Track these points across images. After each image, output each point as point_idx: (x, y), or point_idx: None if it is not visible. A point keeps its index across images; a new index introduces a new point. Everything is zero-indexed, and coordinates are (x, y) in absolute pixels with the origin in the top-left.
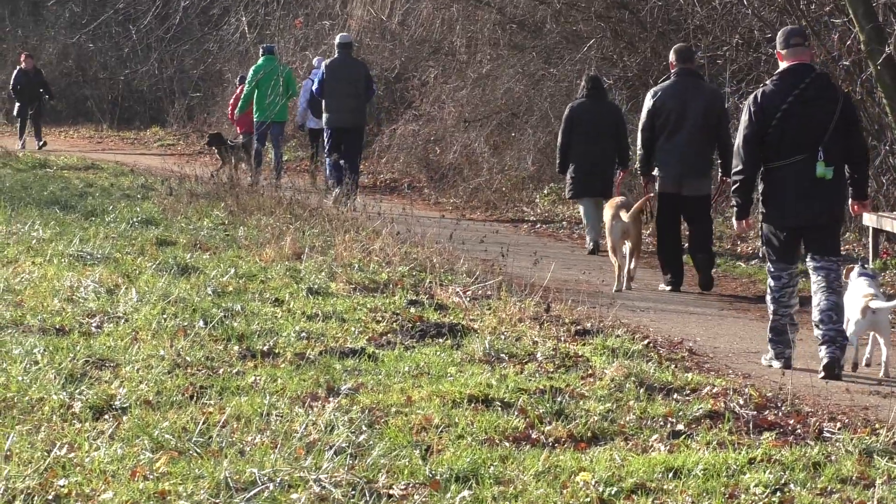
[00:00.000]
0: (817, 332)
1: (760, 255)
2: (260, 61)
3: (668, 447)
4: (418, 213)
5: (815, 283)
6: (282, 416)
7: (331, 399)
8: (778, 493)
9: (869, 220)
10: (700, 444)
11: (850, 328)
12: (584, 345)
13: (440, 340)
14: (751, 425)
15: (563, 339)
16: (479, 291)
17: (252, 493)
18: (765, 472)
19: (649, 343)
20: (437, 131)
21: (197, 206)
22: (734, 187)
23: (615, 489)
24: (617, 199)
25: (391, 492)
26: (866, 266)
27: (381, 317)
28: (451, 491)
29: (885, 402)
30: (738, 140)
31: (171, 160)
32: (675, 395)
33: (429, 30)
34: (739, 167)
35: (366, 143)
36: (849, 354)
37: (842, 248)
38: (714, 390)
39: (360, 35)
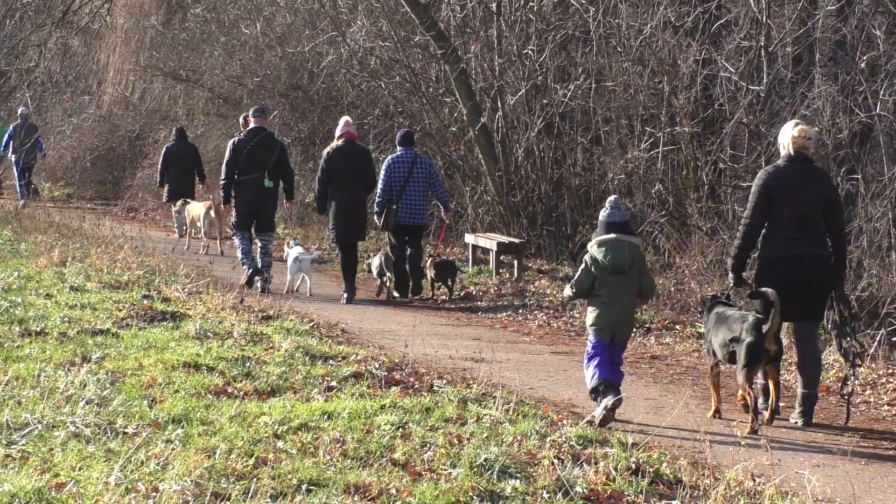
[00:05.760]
0: (255, 263)
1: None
2: None
3: (324, 398)
4: (151, 234)
5: (261, 248)
6: (48, 377)
7: (84, 365)
8: (401, 429)
9: (468, 238)
10: (347, 396)
11: (289, 272)
12: (267, 326)
13: (164, 323)
14: (383, 382)
15: (252, 322)
16: (194, 288)
17: (26, 431)
18: (392, 415)
19: (314, 325)
20: None
21: None
22: (222, 189)
23: (286, 427)
24: (208, 203)
25: (126, 430)
26: (296, 239)
27: (122, 306)
28: (169, 429)
29: (476, 365)
30: (230, 165)
31: None
32: (330, 361)
33: (160, 103)
34: (224, 178)
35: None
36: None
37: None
38: (358, 357)
39: (111, 107)
